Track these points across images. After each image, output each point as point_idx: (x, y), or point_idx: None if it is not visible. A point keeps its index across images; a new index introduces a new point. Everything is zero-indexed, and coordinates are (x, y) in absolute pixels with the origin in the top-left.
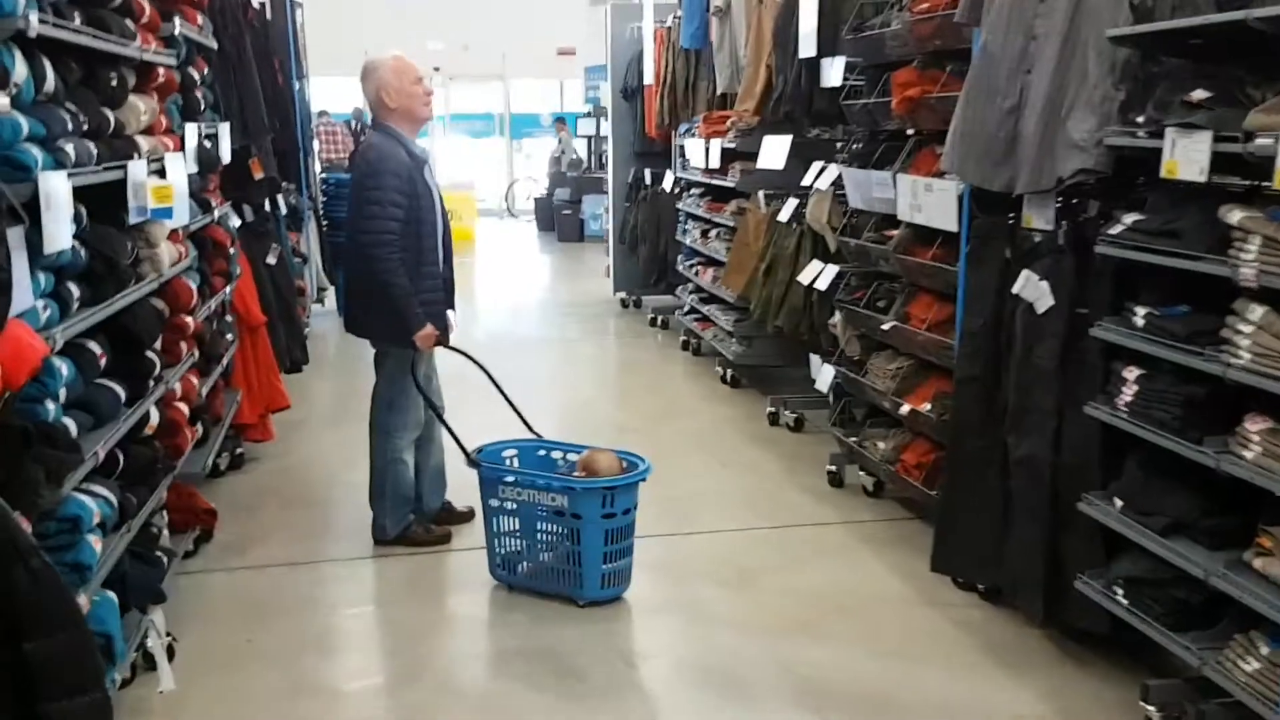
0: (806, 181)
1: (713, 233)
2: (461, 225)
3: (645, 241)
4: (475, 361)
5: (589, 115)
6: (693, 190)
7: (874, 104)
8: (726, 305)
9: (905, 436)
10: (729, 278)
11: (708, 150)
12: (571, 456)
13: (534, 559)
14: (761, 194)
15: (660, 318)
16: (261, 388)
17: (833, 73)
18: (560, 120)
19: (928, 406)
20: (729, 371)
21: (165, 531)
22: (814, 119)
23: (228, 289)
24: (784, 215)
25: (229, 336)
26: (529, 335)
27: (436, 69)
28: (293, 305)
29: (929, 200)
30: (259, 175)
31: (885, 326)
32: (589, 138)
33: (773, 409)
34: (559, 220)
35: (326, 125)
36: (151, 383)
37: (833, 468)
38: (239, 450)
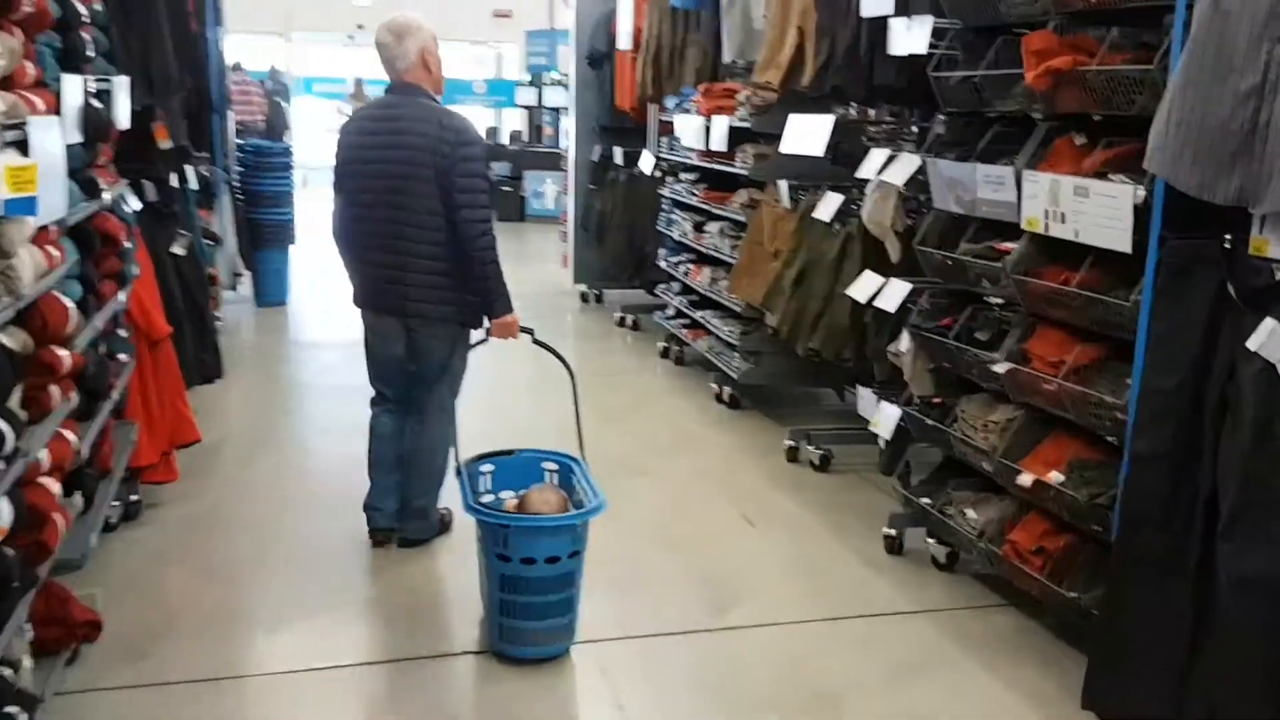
0: (866, 172)
1: (712, 227)
2: None
3: (615, 230)
4: (561, 359)
5: (530, 84)
6: (683, 175)
7: (986, 77)
8: (727, 312)
9: (1010, 507)
10: (738, 282)
11: (708, 129)
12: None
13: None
14: (784, 184)
15: (629, 317)
16: (165, 417)
17: (910, 37)
18: (359, 81)
19: (1058, 477)
20: (725, 389)
21: (27, 663)
22: (873, 95)
23: (122, 295)
24: (822, 212)
25: (123, 357)
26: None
27: (360, 27)
28: (204, 304)
29: (1084, 209)
30: (165, 143)
31: (998, 368)
32: (528, 108)
33: (791, 443)
34: (500, 197)
35: (241, 83)
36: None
37: (891, 532)
38: (134, 498)
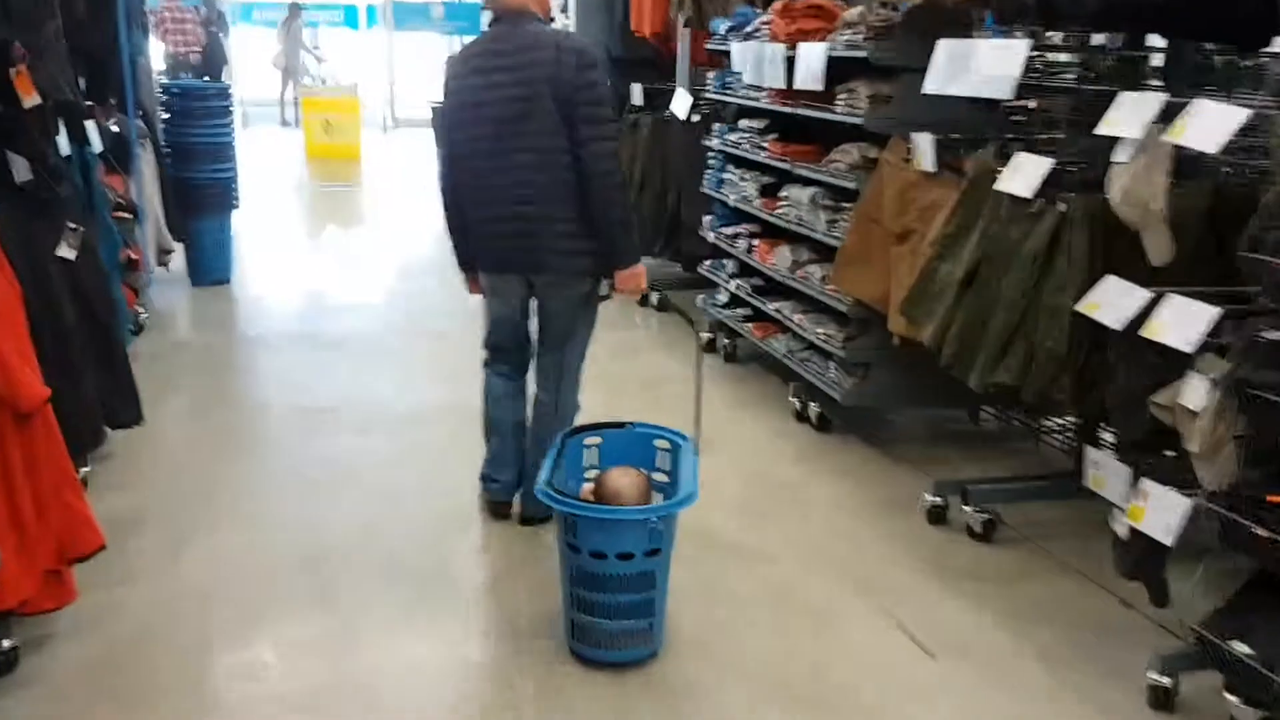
0: (1123, 127)
1: (796, 192)
2: (346, 140)
3: (635, 189)
4: (691, 322)
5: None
6: (744, 123)
7: None
8: (818, 307)
9: None
10: (844, 273)
11: (791, 61)
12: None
13: None
14: (925, 140)
15: (652, 295)
16: (46, 524)
17: None
18: (294, 7)
19: None
20: (812, 407)
21: None
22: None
23: None
24: (1018, 183)
25: None
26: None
27: None
28: (112, 328)
29: None
30: (30, 100)
31: None
32: None
33: (937, 499)
34: None
35: (174, 11)
36: None
37: (1164, 681)
38: (7, 644)
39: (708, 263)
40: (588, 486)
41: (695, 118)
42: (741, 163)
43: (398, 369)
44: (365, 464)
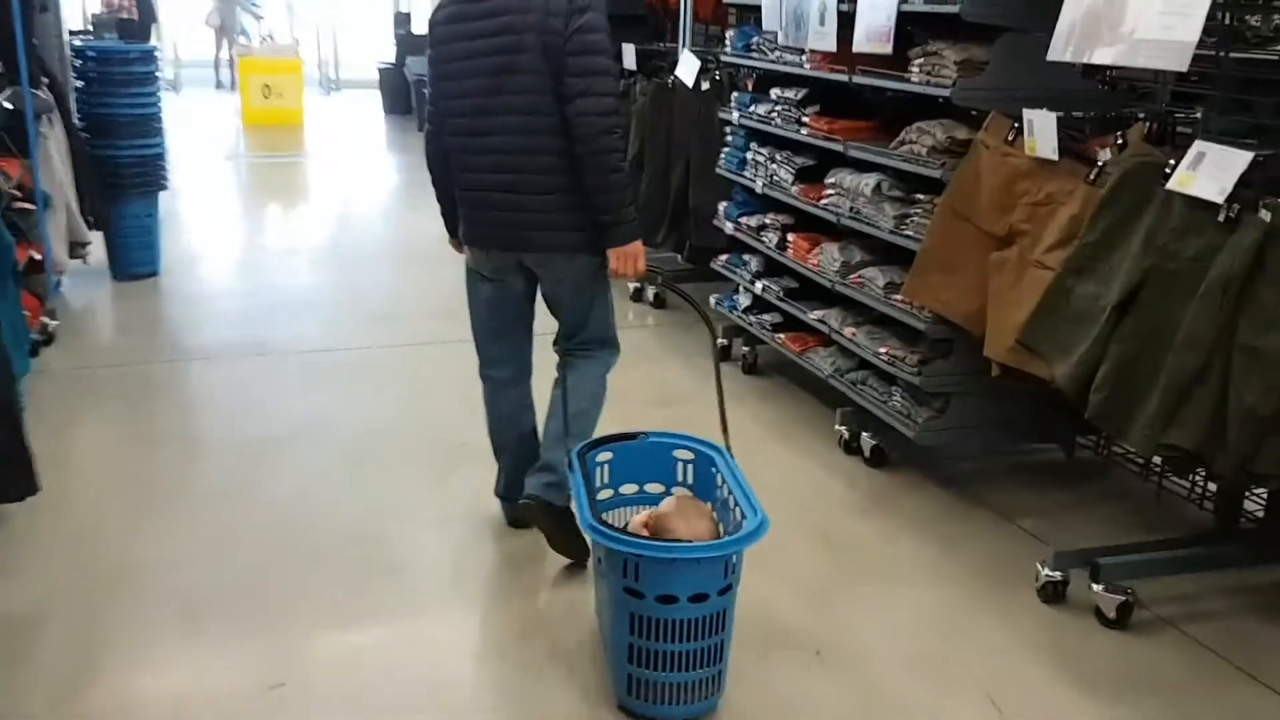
0: None
1: (846, 178)
2: (287, 105)
3: (636, 169)
4: (700, 310)
5: None
6: (774, 92)
7: None
8: (874, 317)
9: None
10: (924, 282)
11: (845, 17)
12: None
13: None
14: (1048, 120)
15: (649, 289)
16: None
17: None
18: None
19: None
20: (865, 438)
21: None
22: None
23: None
24: (1205, 185)
25: None
26: (439, 309)
27: None
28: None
29: None
30: None
31: None
32: None
33: (1055, 575)
34: (421, 102)
35: None
36: None
37: None
38: None
39: (723, 258)
40: (639, 519)
41: (705, 85)
42: (769, 140)
43: (362, 383)
44: (332, 523)
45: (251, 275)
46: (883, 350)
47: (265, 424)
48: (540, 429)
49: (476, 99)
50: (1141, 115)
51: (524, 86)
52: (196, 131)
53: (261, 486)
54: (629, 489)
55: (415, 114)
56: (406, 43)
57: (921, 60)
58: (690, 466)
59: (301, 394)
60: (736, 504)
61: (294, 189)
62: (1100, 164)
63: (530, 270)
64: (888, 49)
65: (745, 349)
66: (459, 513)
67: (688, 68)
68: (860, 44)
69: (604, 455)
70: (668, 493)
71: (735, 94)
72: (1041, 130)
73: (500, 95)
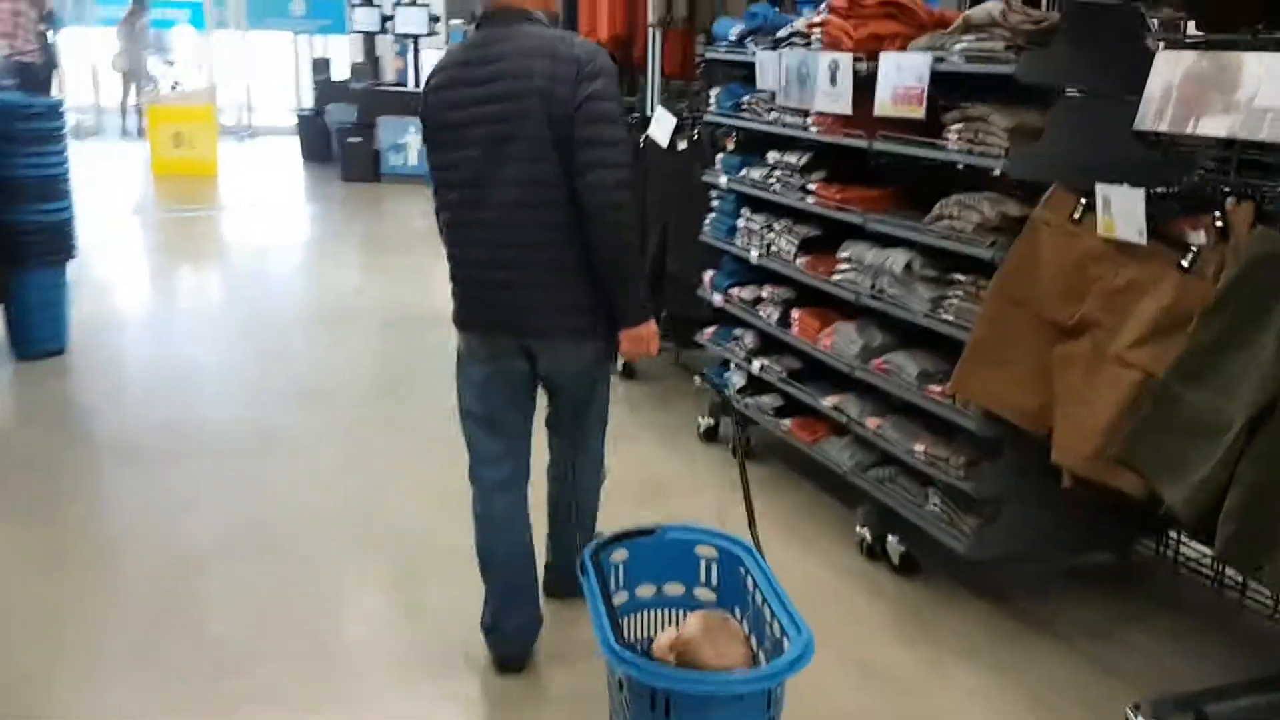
0: None
1: (866, 252)
2: (199, 154)
3: None
4: (727, 400)
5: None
6: (773, 155)
7: None
8: (898, 406)
9: None
10: (974, 375)
11: (862, 77)
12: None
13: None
14: (1134, 197)
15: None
16: None
17: None
18: (137, 2)
19: None
20: (894, 542)
21: None
22: None
23: None
24: None
25: None
26: (379, 384)
27: None
28: None
29: None
30: None
31: None
32: (366, 33)
33: None
34: (346, 151)
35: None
36: None
37: None
38: None
39: (709, 330)
40: (665, 641)
41: (682, 144)
42: (764, 207)
43: (301, 479)
44: (274, 671)
45: (167, 347)
46: (919, 448)
47: (192, 535)
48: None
49: (473, 170)
50: (1228, 190)
51: (526, 154)
52: (102, 183)
53: (190, 616)
54: (646, 590)
55: (337, 163)
56: (326, 89)
57: (961, 126)
58: (714, 566)
59: (232, 494)
60: (774, 616)
61: (210, 245)
62: (1195, 249)
63: (531, 352)
64: (919, 113)
65: (739, 430)
66: (428, 653)
67: (663, 126)
68: (884, 107)
69: (619, 554)
70: (689, 594)
71: (720, 155)
72: (1122, 209)
73: (499, 166)
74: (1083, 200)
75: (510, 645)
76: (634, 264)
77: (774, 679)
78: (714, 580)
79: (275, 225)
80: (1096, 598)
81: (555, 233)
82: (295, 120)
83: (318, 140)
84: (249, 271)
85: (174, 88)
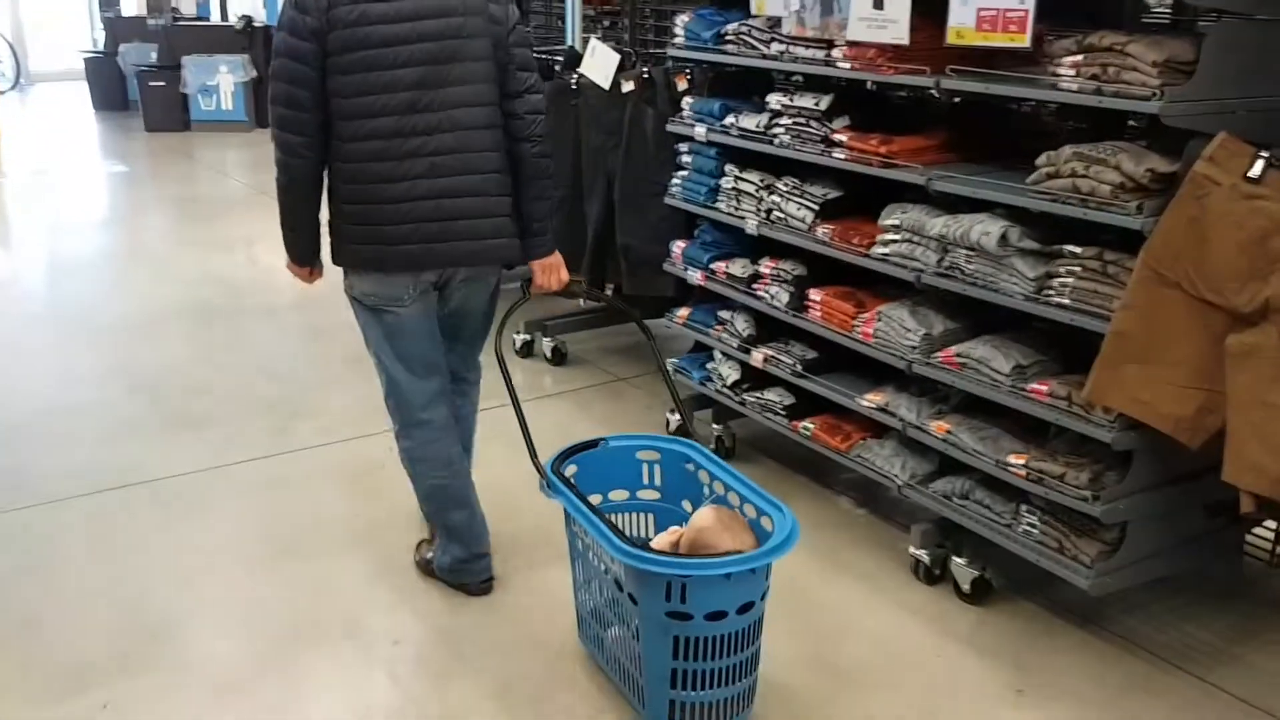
0: None
1: (929, 221)
2: None
3: None
4: (637, 320)
5: None
6: (775, 99)
7: None
8: (961, 403)
9: None
10: (1115, 377)
11: None
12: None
13: (607, 630)
14: None
15: (544, 339)
16: None
17: None
18: None
19: None
20: (953, 561)
21: None
22: None
23: None
24: None
25: None
26: (261, 394)
27: None
28: None
29: None
30: None
31: None
32: None
33: None
34: (147, 97)
35: None
36: None
37: None
38: None
39: (683, 312)
40: (667, 539)
41: (627, 86)
42: (760, 162)
43: (197, 547)
44: None
45: None
46: (1015, 460)
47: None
48: None
49: (409, 92)
50: None
51: (473, 76)
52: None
53: None
54: (593, 499)
55: (137, 111)
56: (118, 27)
57: (1082, 58)
58: (657, 467)
59: (106, 567)
60: (745, 500)
61: (1, 226)
62: None
63: (445, 286)
64: (1024, 41)
65: (717, 427)
66: None
67: (601, 63)
68: (962, 34)
69: (569, 469)
70: (634, 497)
71: (689, 100)
72: None
73: (443, 87)
74: (1263, 154)
75: (486, 563)
76: (551, 191)
77: (780, 551)
78: (657, 480)
79: (73, 195)
80: (1209, 618)
81: (502, 158)
82: (82, 64)
83: (112, 86)
84: (60, 256)
85: None
